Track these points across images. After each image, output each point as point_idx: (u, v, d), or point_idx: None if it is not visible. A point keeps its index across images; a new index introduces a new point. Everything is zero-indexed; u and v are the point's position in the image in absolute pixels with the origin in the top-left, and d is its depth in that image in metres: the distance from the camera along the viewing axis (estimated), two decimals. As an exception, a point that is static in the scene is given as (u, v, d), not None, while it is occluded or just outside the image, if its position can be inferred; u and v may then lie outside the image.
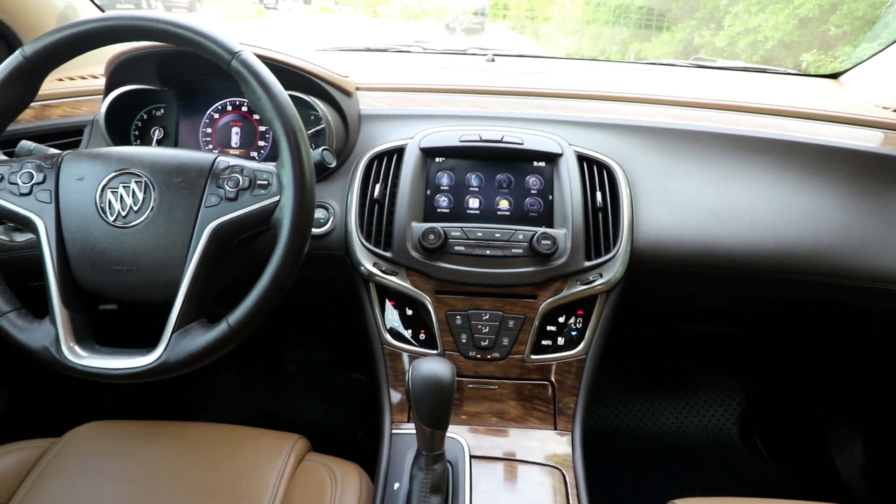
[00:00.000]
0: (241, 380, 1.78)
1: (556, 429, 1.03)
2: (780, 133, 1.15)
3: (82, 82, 1.24)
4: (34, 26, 1.21)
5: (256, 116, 1.15)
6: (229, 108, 1.16)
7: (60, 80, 1.23)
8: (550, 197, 1.05)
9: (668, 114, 1.20)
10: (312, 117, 1.10)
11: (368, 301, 1.06)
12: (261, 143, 1.16)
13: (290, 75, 1.04)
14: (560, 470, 0.95)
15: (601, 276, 1.02)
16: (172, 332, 0.75)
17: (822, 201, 1.09)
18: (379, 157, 1.08)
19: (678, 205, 1.08)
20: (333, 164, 0.94)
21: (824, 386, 1.68)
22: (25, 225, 0.79)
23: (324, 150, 0.93)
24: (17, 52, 0.77)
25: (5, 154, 0.82)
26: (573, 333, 1.04)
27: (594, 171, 1.07)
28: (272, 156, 1.14)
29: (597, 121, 1.16)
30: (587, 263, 1.01)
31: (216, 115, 1.15)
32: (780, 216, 1.07)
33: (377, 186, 1.05)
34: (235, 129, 1.15)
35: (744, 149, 1.13)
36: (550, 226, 1.04)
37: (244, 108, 1.16)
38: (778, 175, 1.11)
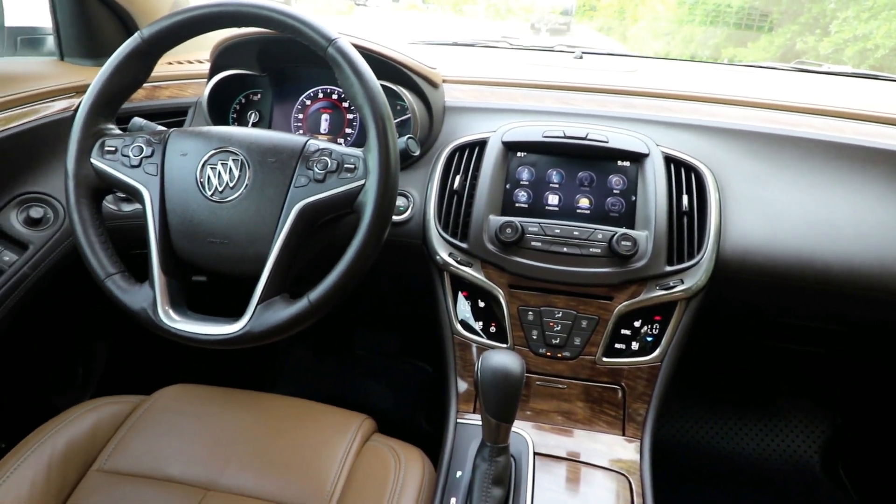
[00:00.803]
0: (312, 358, 1.85)
1: (624, 434, 1.01)
2: (890, 143, 1.06)
3: (189, 66, 1.32)
4: (151, 12, 1.30)
5: (345, 105, 1.19)
6: (321, 95, 1.20)
7: (170, 63, 1.32)
8: (633, 198, 1.03)
9: (766, 118, 1.14)
10: (399, 107, 1.12)
11: (442, 290, 1.07)
12: (347, 131, 1.19)
13: (381, 65, 1.07)
14: (626, 476, 0.93)
15: (682, 282, 0.98)
16: (257, 304, 0.79)
17: None
18: (461, 148, 1.09)
19: (771, 213, 1.02)
20: (418, 153, 0.95)
21: None
22: (133, 195, 0.84)
23: (409, 138, 0.95)
24: (135, 35, 0.83)
25: (120, 129, 0.89)
26: (648, 339, 1.01)
27: (681, 173, 1.04)
28: (358, 143, 1.18)
29: (687, 122, 1.12)
30: (668, 268, 0.98)
31: (308, 102, 1.20)
32: (885, 232, 0.99)
33: (457, 178, 1.06)
34: (325, 116, 1.20)
35: (848, 158, 1.05)
36: (632, 227, 1.01)
37: (334, 97, 1.20)
38: (886, 188, 1.03)
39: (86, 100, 0.84)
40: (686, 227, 1.00)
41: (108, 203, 1.12)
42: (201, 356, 1.66)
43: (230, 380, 1.11)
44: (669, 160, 1.04)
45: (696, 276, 0.98)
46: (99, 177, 0.84)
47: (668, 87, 1.24)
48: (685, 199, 1.01)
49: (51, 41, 1.29)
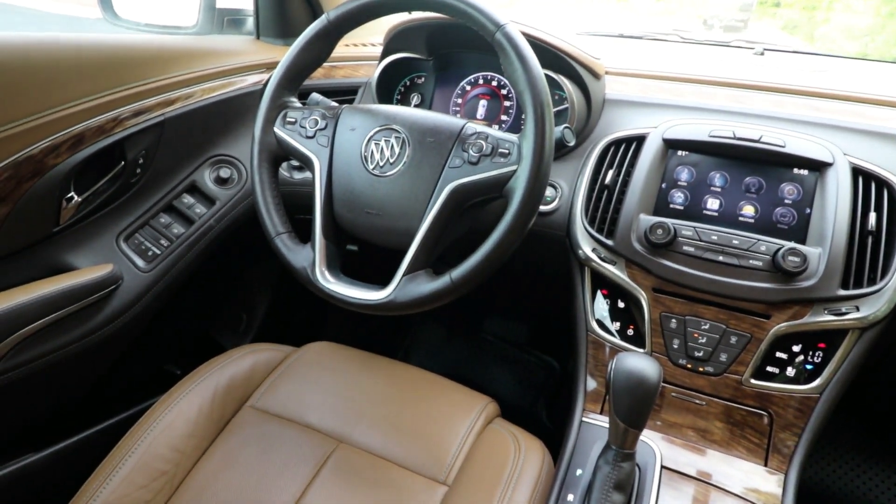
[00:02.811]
0: (444, 336, 1.91)
1: (766, 465, 0.92)
2: None
3: (362, 49, 1.42)
4: (334, -1, 1.42)
5: (504, 92, 1.20)
6: (481, 81, 1.22)
7: (346, 45, 1.42)
8: (808, 210, 0.93)
9: None
10: (558, 97, 1.11)
11: (581, 286, 1.05)
12: (503, 118, 1.20)
13: (546, 53, 1.06)
14: None
15: (857, 309, 0.87)
16: (403, 276, 0.83)
17: None
18: (617, 143, 1.06)
19: None
20: (573, 143, 0.94)
21: None
22: (306, 163, 0.93)
23: (565, 128, 0.94)
24: (322, 17, 0.91)
25: (301, 103, 0.98)
26: (808, 367, 0.91)
27: (871, 187, 0.92)
28: (512, 131, 1.18)
29: (883, 130, 0.99)
30: (842, 292, 0.88)
31: (468, 88, 1.23)
32: None
33: (610, 172, 1.03)
34: (483, 102, 1.22)
35: None
36: (802, 242, 0.92)
37: (494, 84, 1.21)
38: None
39: (275, 75, 0.93)
40: (870, 248, 0.89)
41: (283, 170, 1.24)
42: (346, 318, 1.80)
43: (369, 344, 1.19)
44: (858, 172, 0.93)
45: (876, 304, 0.87)
46: (279, 144, 0.93)
47: (862, 90, 1.10)
48: (872, 217, 0.89)
49: (251, 22, 1.45)
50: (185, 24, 1.38)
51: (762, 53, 1.41)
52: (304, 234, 0.92)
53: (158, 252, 1.16)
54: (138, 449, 0.87)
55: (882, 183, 0.92)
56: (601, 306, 1.03)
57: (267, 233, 0.92)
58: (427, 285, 0.82)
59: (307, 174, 1.15)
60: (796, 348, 0.91)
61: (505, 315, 1.89)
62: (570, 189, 1.07)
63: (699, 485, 0.89)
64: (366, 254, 0.95)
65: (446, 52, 1.25)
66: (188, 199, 1.21)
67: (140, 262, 1.14)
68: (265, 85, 1.09)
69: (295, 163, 1.23)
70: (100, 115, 1.02)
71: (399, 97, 1.28)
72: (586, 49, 1.13)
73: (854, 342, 0.89)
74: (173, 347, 1.44)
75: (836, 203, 0.90)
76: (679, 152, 1.01)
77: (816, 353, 0.91)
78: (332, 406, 1.00)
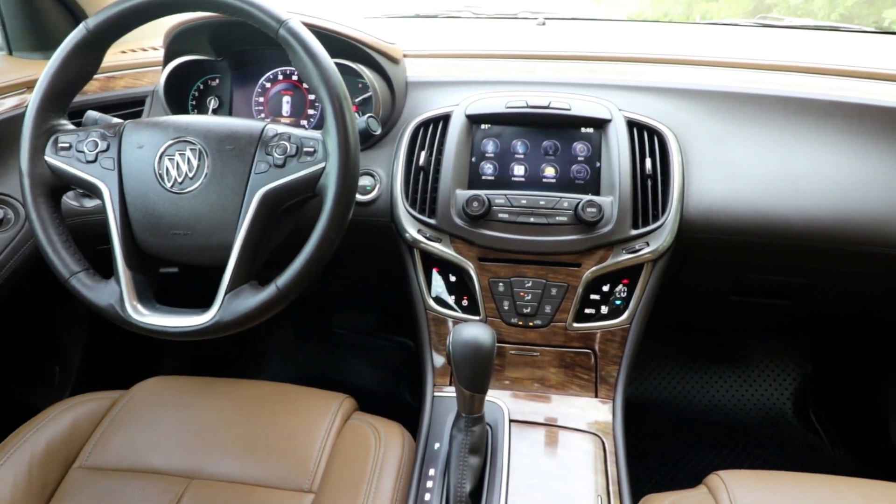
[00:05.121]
0: (293, 341, 1.86)
1: (597, 396, 1.03)
2: (849, 96, 1.08)
3: (144, 54, 1.29)
4: (99, 1, 1.27)
5: (306, 85, 1.17)
6: (280, 77, 1.18)
7: (124, 52, 1.29)
8: (598, 164, 1.03)
9: (726, 77, 1.15)
10: (360, 85, 1.11)
11: (413, 267, 1.07)
12: (310, 112, 1.18)
13: (337, 43, 1.05)
14: (599, 437, 0.96)
15: (648, 244, 1.00)
16: (225, 294, 0.79)
17: (893, 168, 1.02)
18: (425, 124, 1.09)
19: (733, 172, 1.03)
20: (379, 132, 0.95)
21: (887, 363, 1.60)
22: (92, 191, 0.83)
23: (369, 117, 0.94)
24: (80, 26, 0.81)
25: (74, 124, 0.87)
26: (618, 302, 1.03)
27: (644, 137, 1.04)
28: (321, 124, 1.16)
29: (649, 85, 1.12)
30: (633, 232, 1.00)
31: (268, 85, 1.18)
32: (844, 184, 1.01)
33: (422, 154, 1.06)
34: (286, 98, 1.18)
35: (808, 113, 1.06)
36: (597, 193, 1.02)
37: (294, 78, 1.18)
38: (845, 141, 1.04)
39: (34, 97, 0.82)
40: (650, 190, 1.02)
41: (70, 199, 1.11)
42: (180, 348, 1.68)
43: (213, 369, 1.12)
44: (632, 124, 1.05)
45: (661, 237, 1.00)
46: (55, 174, 0.83)
47: (631, 51, 1.24)
48: (648, 162, 1.02)
49: (-1, 35, 1.26)
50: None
51: (544, 23, 1.52)
52: (109, 266, 0.84)
53: None
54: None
55: (653, 132, 1.04)
56: (437, 283, 1.07)
57: (59, 275, 0.82)
58: (253, 299, 0.79)
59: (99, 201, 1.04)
60: (606, 288, 1.03)
61: (352, 306, 1.88)
62: (388, 175, 1.08)
63: (547, 429, 0.97)
64: (191, 276, 0.89)
65: (240, 50, 1.18)
66: None
67: None
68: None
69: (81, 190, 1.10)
70: None
71: (194, 103, 1.19)
72: (380, 34, 1.14)
73: (650, 273, 1.02)
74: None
75: (618, 154, 1.01)
76: (483, 126, 1.07)
77: (622, 289, 1.03)
78: (177, 443, 0.93)
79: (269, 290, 0.78)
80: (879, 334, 1.58)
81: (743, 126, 1.07)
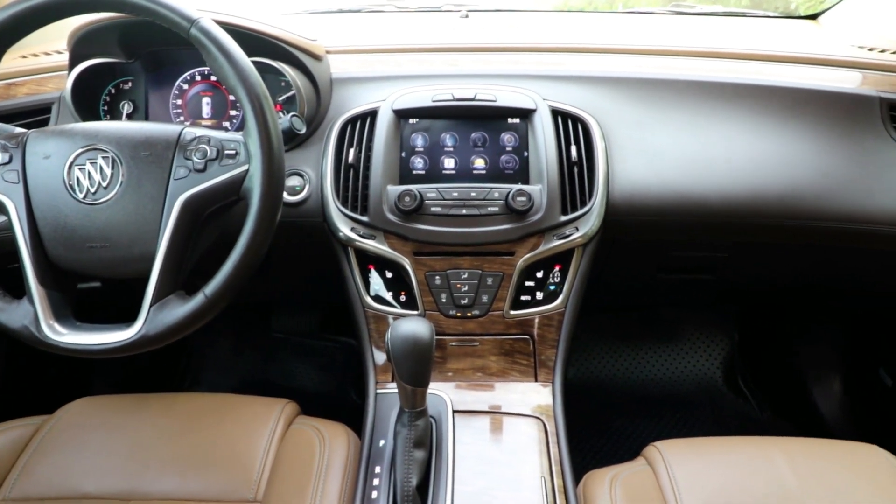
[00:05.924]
0: (232, 349, 1.81)
1: (537, 381, 1.06)
2: (755, 78, 1.14)
3: (47, 58, 1.21)
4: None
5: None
6: (198, 77, 1.14)
7: (24, 57, 1.21)
8: (525, 153, 1.05)
9: (643, 64, 1.19)
10: (283, 83, 1.08)
11: (348, 266, 1.06)
12: (232, 113, 1.14)
13: (255, 41, 1.02)
14: (541, 419, 0.98)
15: (577, 229, 1.03)
16: (150, 306, 0.76)
17: (798, 145, 1.09)
18: (352, 121, 1.08)
19: (653, 155, 1.08)
20: (303, 131, 0.93)
21: (805, 328, 1.72)
22: None
23: (293, 116, 0.93)
24: None
25: None
26: (552, 287, 1.06)
27: (569, 125, 1.07)
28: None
29: (571, 74, 1.15)
30: (563, 218, 1.02)
31: (185, 86, 1.14)
32: (754, 162, 1.07)
33: (351, 151, 1.05)
34: (206, 100, 1.14)
35: (718, 96, 1.12)
36: (526, 182, 1.04)
37: (213, 78, 1.14)
38: (753, 121, 1.10)
39: None
40: (577, 176, 1.04)
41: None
42: (111, 365, 1.60)
43: (149, 383, 1.08)
44: (556, 113, 1.07)
45: (589, 222, 1.03)
46: None
47: (553, 41, 1.27)
48: (574, 150, 1.04)
49: None
50: None
51: (467, 16, 1.53)
52: (21, 285, 0.79)
53: None
54: None
55: (577, 119, 1.07)
56: (375, 281, 1.07)
57: None
58: (180, 309, 0.76)
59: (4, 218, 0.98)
60: (540, 274, 1.05)
61: (292, 309, 1.85)
62: (318, 174, 1.07)
63: (491, 416, 0.99)
64: (113, 289, 0.85)
65: (154, 51, 1.13)
66: None
67: None
68: None
69: None
70: None
71: (106, 108, 1.13)
72: (301, 31, 1.12)
73: (581, 257, 1.05)
74: None
75: (544, 143, 1.03)
76: (411, 120, 1.07)
77: (556, 274, 1.05)
78: (110, 465, 0.89)
79: (197, 300, 0.76)
80: (792, 299, 1.69)
81: (661, 111, 1.11)
